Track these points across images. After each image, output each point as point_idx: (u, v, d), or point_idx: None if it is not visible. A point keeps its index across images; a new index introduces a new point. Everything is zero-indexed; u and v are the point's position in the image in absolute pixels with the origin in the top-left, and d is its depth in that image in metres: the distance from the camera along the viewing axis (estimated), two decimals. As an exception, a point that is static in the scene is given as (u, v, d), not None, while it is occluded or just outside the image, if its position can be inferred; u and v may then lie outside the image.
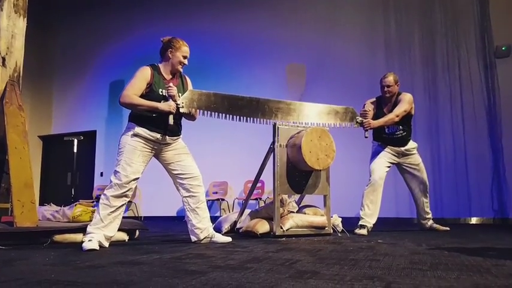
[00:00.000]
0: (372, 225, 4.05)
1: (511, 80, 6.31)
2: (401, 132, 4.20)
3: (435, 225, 4.41)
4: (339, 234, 3.89)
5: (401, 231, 4.20)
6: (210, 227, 3.24)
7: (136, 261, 2.13)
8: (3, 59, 3.61)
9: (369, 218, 4.04)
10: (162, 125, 3.02)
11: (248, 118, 3.63)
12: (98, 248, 2.72)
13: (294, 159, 3.77)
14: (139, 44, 9.05)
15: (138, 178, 2.97)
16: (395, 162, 4.29)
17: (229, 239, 3.30)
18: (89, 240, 2.76)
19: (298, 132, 3.80)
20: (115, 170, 2.93)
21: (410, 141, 4.30)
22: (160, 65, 3.14)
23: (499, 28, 6.47)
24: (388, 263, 1.99)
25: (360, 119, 4.04)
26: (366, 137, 4.10)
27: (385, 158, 4.21)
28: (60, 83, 10.38)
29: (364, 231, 3.95)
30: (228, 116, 3.50)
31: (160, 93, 3.04)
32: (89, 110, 9.86)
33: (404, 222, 5.96)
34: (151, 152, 3.06)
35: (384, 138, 4.24)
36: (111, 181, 2.91)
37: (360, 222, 4.04)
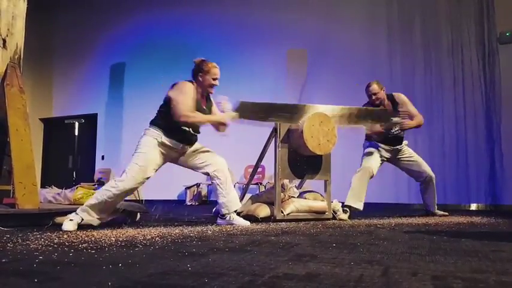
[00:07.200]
0: (355, 208, 4.07)
1: (514, 67, 6.27)
2: (402, 132, 4.29)
3: (438, 212, 4.49)
4: (339, 219, 3.91)
5: (400, 217, 4.22)
6: (227, 207, 3.38)
7: (137, 243, 2.14)
8: (4, 40, 3.58)
9: (355, 199, 4.08)
10: (185, 136, 3.22)
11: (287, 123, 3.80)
12: (75, 229, 2.80)
13: (295, 144, 3.77)
14: (140, 27, 8.93)
15: (147, 179, 3.11)
16: (388, 157, 4.34)
17: (247, 223, 3.38)
18: (70, 220, 2.86)
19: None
20: (128, 168, 3.03)
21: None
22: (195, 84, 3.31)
23: (502, 14, 6.39)
24: (387, 247, 2.00)
25: (396, 118, 4.13)
26: (399, 131, 4.21)
27: (378, 156, 4.27)
28: (61, 66, 10.33)
29: (345, 216, 3.97)
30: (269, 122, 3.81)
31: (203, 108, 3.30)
32: (89, 92, 9.82)
33: (403, 208, 5.98)
34: (167, 157, 3.23)
35: (385, 137, 4.26)
36: (124, 172, 3.02)
37: (346, 202, 4.08)
